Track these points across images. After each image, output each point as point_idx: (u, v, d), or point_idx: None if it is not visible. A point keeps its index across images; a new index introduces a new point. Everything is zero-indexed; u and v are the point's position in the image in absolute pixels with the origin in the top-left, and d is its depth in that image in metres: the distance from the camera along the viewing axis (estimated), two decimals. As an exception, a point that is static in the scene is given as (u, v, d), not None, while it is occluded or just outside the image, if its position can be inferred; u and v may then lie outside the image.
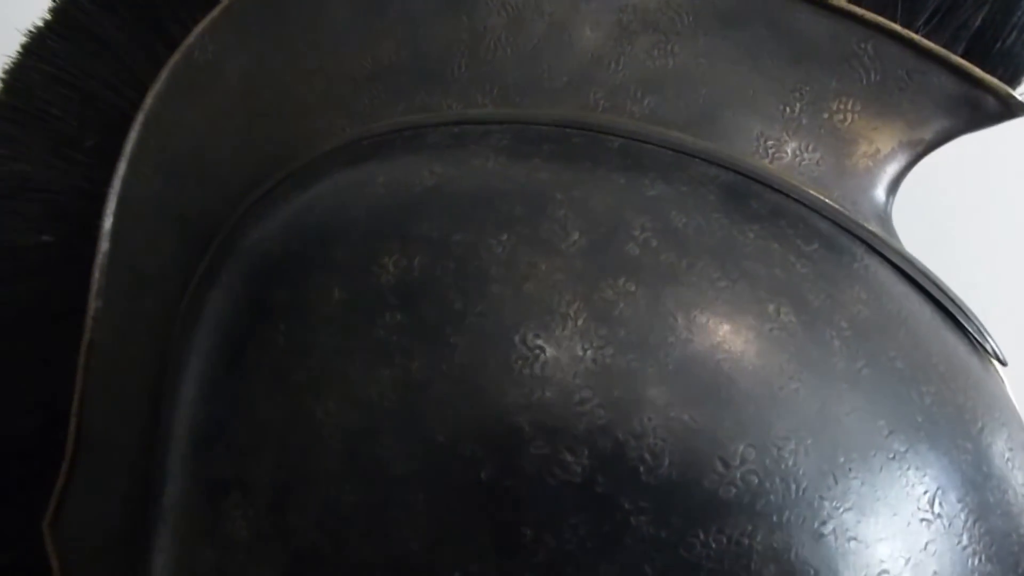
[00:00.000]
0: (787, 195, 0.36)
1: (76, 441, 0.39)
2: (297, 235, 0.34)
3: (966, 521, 0.30)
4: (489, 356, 0.29)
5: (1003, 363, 0.37)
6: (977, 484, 0.31)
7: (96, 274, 0.40)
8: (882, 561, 0.29)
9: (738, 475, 0.28)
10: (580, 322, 0.29)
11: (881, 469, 0.29)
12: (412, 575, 0.29)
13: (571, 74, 0.39)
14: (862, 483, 0.29)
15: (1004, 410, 0.35)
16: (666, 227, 0.32)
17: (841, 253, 0.34)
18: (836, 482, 0.29)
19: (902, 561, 0.29)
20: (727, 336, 0.30)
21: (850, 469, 0.29)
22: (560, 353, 0.29)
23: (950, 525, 0.30)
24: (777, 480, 0.28)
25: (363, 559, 0.29)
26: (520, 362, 0.29)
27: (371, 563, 0.29)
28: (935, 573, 0.29)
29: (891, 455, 0.30)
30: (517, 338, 0.29)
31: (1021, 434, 0.35)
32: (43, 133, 0.41)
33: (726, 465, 0.28)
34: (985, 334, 0.36)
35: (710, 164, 0.36)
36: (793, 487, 0.28)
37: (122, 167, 0.40)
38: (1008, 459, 0.33)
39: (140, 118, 0.40)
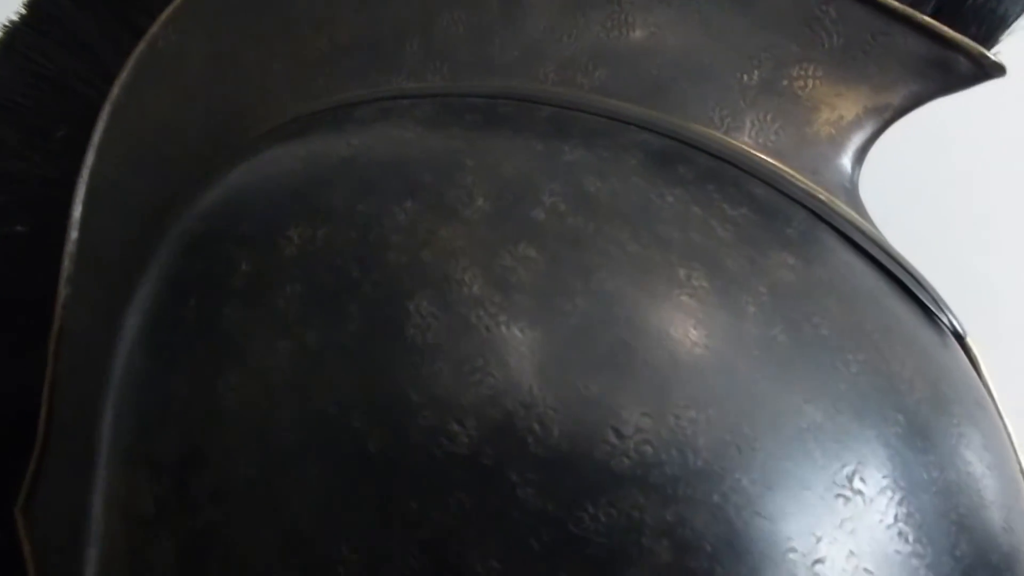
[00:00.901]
0: (723, 159, 0.35)
1: (47, 427, 0.40)
2: (215, 212, 0.34)
3: (892, 498, 0.29)
4: (382, 325, 0.29)
5: (961, 336, 0.35)
6: (908, 459, 0.29)
7: (66, 262, 0.41)
8: (789, 538, 0.27)
9: (631, 445, 0.27)
10: (475, 288, 0.29)
11: (792, 441, 0.28)
12: (301, 548, 0.29)
13: (522, 49, 0.39)
14: (769, 455, 0.28)
15: (957, 384, 0.33)
16: (577, 192, 0.31)
17: (773, 218, 0.33)
18: (739, 453, 0.28)
19: (812, 539, 0.28)
20: (630, 302, 0.29)
21: (756, 440, 0.28)
22: (452, 321, 0.29)
23: (872, 502, 0.28)
24: (673, 451, 0.27)
25: (255, 533, 0.29)
26: (412, 331, 0.29)
27: (263, 538, 0.29)
28: (852, 552, 0.28)
29: (805, 426, 0.28)
30: (412, 306, 0.29)
31: (976, 410, 0.33)
32: (16, 125, 0.43)
33: (619, 435, 0.28)
34: (941, 306, 0.35)
35: (642, 130, 0.35)
36: (690, 458, 0.27)
37: (90, 157, 0.41)
38: (954, 434, 0.31)
39: (107, 108, 0.41)
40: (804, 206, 0.34)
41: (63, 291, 0.41)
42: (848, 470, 0.28)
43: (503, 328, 0.28)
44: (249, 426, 0.30)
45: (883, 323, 0.31)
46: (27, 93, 0.43)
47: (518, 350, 0.28)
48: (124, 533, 0.32)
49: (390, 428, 0.28)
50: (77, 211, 0.41)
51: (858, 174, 0.40)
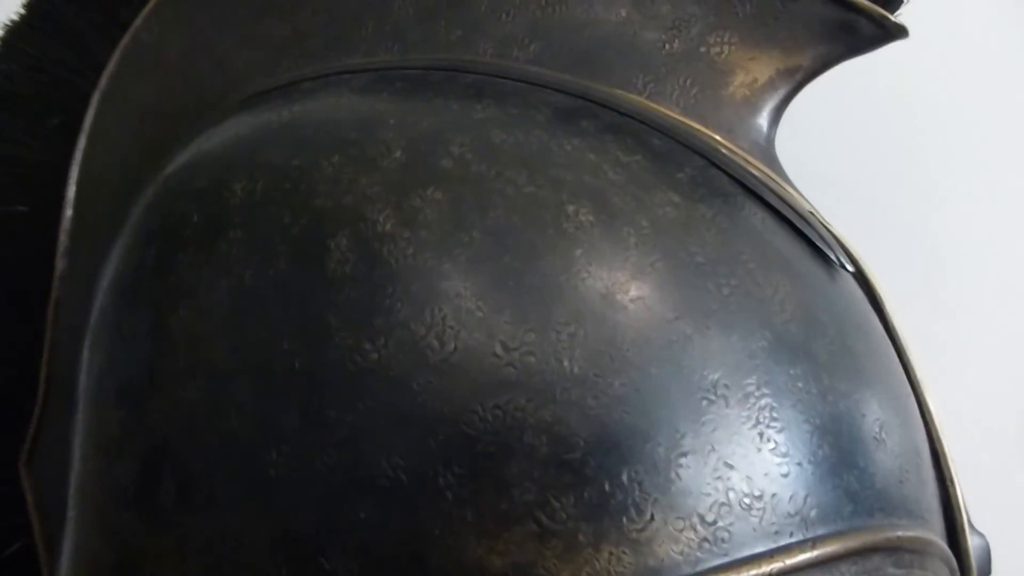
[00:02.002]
0: (627, 115, 0.39)
1: (46, 388, 0.46)
2: (175, 175, 0.39)
3: (755, 403, 0.33)
4: (306, 262, 0.34)
5: (847, 270, 0.39)
6: (773, 370, 0.34)
7: (62, 237, 0.46)
8: (655, 434, 0.32)
9: (516, 356, 0.32)
10: (387, 227, 0.34)
11: (661, 350, 0.33)
12: (237, 454, 0.34)
13: (465, 28, 0.44)
14: (639, 363, 0.32)
15: (836, 311, 0.37)
16: (484, 143, 0.36)
17: (666, 163, 0.38)
18: (611, 361, 0.32)
19: (677, 435, 0.32)
20: (520, 234, 0.34)
21: (627, 350, 0.32)
22: (366, 256, 0.34)
23: (735, 405, 0.33)
24: (553, 360, 0.32)
25: (200, 445, 0.34)
26: (333, 265, 0.34)
27: (210, 451, 0.34)
28: (713, 448, 0.32)
29: (674, 338, 0.33)
30: (332, 244, 0.34)
31: (854, 333, 0.37)
32: (16, 114, 0.48)
33: (506, 348, 0.32)
34: (828, 243, 0.39)
35: (556, 92, 0.40)
36: (567, 366, 0.32)
37: (82, 141, 0.46)
38: (824, 352, 0.35)
39: (97, 96, 0.46)
40: (700, 154, 0.38)
41: (59, 264, 0.46)
42: (713, 377, 0.33)
43: (410, 260, 0.33)
44: (196, 354, 0.35)
45: (761, 255, 0.36)
46: (25, 85, 0.48)
47: (422, 278, 0.33)
48: (95, 456, 0.37)
49: (313, 349, 0.33)
50: (71, 191, 0.46)
51: (774, 132, 0.45)
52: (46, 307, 0.46)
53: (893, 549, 0.34)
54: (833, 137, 0.64)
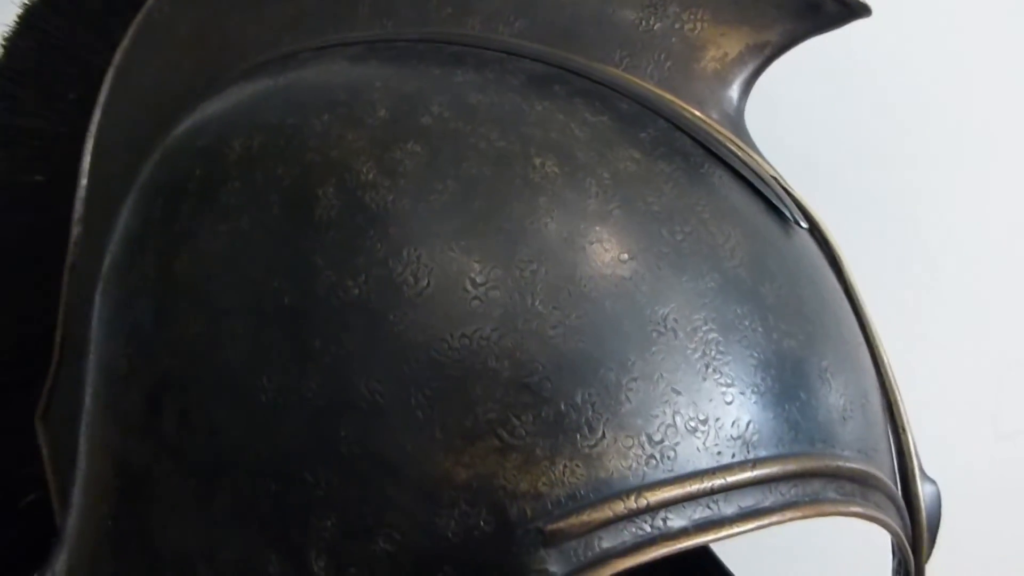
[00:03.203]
0: (598, 82, 0.44)
1: (61, 348, 0.50)
2: (181, 135, 0.44)
3: (702, 337, 0.37)
4: (296, 209, 0.39)
5: (801, 226, 0.44)
6: (721, 308, 0.38)
7: (77, 205, 0.51)
8: (606, 361, 0.36)
9: (483, 291, 0.37)
10: (370, 177, 0.38)
11: (616, 286, 0.37)
12: (234, 384, 0.38)
13: (455, 5, 0.48)
14: (595, 297, 0.37)
15: (786, 261, 0.42)
16: (461, 103, 0.41)
17: (631, 125, 0.42)
18: (569, 296, 0.37)
19: (627, 361, 0.37)
20: (490, 182, 0.38)
21: (584, 285, 0.37)
22: (350, 202, 0.38)
23: (682, 337, 0.37)
24: (516, 294, 0.37)
25: (202, 377, 0.39)
26: (320, 211, 0.39)
27: (208, 380, 0.39)
28: (662, 375, 0.37)
29: (628, 276, 0.37)
30: (320, 192, 0.39)
31: (803, 281, 0.41)
32: (35, 89, 0.53)
33: (474, 284, 0.37)
34: (784, 201, 0.43)
35: (534, 62, 0.45)
36: (529, 300, 0.36)
37: (97, 114, 0.51)
38: (770, 295, 0.40)
39: (111, 72, 0.51)
40: (665, 118, 0.43)
41: (75, 230, 0.51)
42: (663, 312, 0.37)
43: (389, 205, 0.38)
44: (196, 293, 0.40)
45: (716, 207, 0.40)
46: (44, 61, 0.53)
47: (399, 222, 0.38)
48: (104, 393, 0.42)
49: (300, 286, 0.38)
50: (86, 161, 0.51)
51: (744, 104, 0.49)
52: (62, 271, 0.51)
53: (833, 476, 0.39)
54: (816, 123, 0.68)
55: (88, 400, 0.43)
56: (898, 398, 0.45)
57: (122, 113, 0.51)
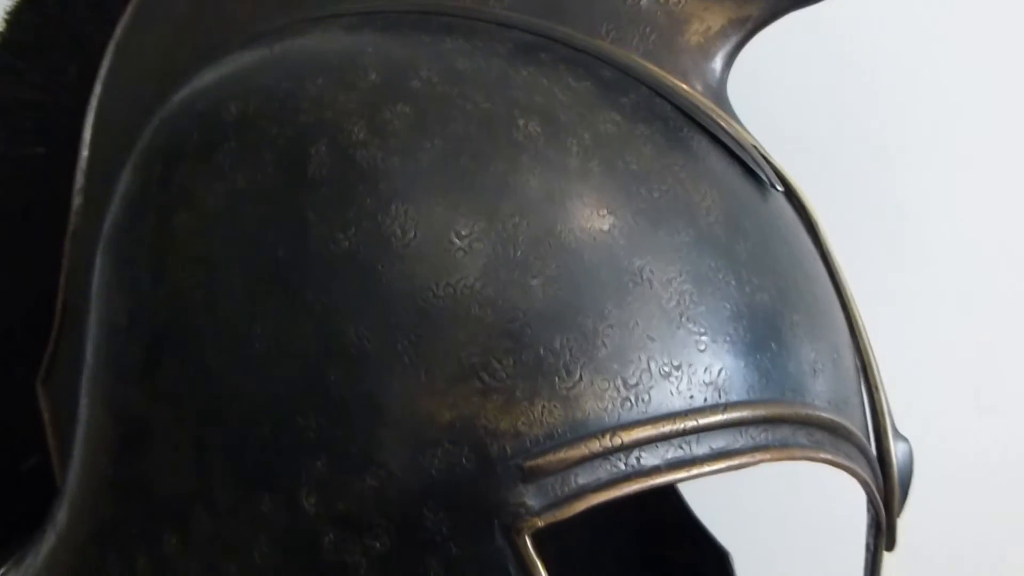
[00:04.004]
0: (582, 51, 0.46)
1: (62, 314, 0.53)
2: (179, 101, 0.47)
3: (676, 288, 0.40)
4: (290, 167, 0.42)
5: (777, 189, 0.46)
6: (695, 261, 0.41)
7: (78, 176, 0.53)
8: (584, 309, 0.39)
9: (468, 243, 0.39)
10: (361, 136, 0.41)
11: (594, 238, 0.40)
12: (229, 334, 0.41)
13: None
14: (573, 249, 0.39)
15: (760, 221, 0.44)
16: (449, 68, 0.43)
17: (613, 91, 0.45)
18: (550, 247, 0.39)
19: (604, 310, 0.39)
20: (475, 141, 0.41)
21: (564, 237, 0.39)
22: (341, 160, 0.41)
23: (657, 288, 0.40)
24: (499, 246, 0.39)
25: (199, 328, 0.42)
26: (313, 169, 0.41)
27: (204, 330, 0.41)
28: (637, 323, 0.39)
29: (606, 228, 0.40)
30: (313, 150, 0.41)
31: (773, 246, 0.44)
32: (37, 64, 0.55)
33: (459, 236, 0.39)
34: (760, 165, 0.46)
35: (523, 32, 0.47)
36: (511, 251, 0.39)
37: (98, 88, 0.54)
38: (743, 251, 0.42)
39: (112, 47, 0.54)
40: (647, 86, 0.46)
41: (76, 200, 0.53)
42: (639, 263, 0.40)
43: (379, 162, 0.41)
44: (194, 249, 0.42)
45: (693, 168, 0.43)
46: (45, 36, 0.55)
47: (388, 178, 0.40)
48: (105, 346, 0.45)
49: (293, 239, 0.40)
50: (87, 134, 0.54)
51: (726, 75, 0.52)
52: (63, 240, 0.54)
53: (803, 423, 0.41)
54: (800, 101, 0.71)
55: (89, 356, 0.46)
56: (871, 359, 0.48)
57: (122, 87, 0.53)
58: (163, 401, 0.41)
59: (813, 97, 0.72)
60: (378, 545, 0.38)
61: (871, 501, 0.45)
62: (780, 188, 0.45)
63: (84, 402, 0.45)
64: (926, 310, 0.75)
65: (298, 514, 0.39)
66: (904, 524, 0.53)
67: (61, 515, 0.46)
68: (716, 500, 0.62)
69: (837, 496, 0.56)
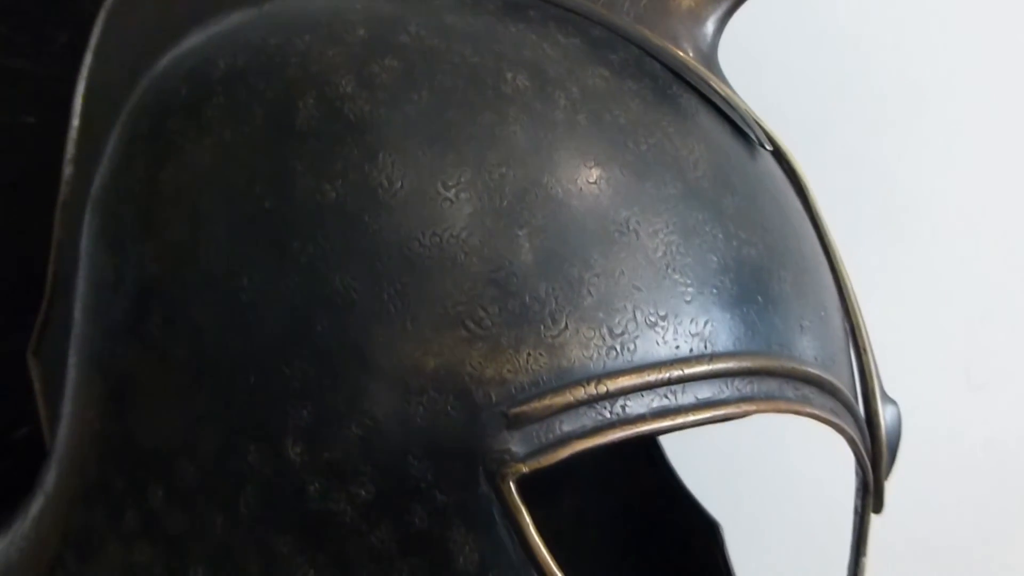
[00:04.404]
0: (572, 11, 0.47)
1: (53, 284, 0.53)
2: (170, 60, 0.47)
3: (663, 239, 0.40)
4: (277, 120, 0.42)
5: (765, 148, 0.47)
6: (683, 214, 0.41)
7: (68, 145, 0.54)
8: (570, 258, 0.39)
9: (454, 193, 0.40)
10: (349, 89, 0.41)
11: (580, 189, 0.40)
12: (216, 286, 0.41)
13: None
14: (560, 198, 0.40)
15: (748, 177, 0.44)
16: (438, 24, 0.43)
17: (601, 48, 0.45)
18: (536, 197, 0.40)
19: (590, 259, 0.39)
20: (462, 93, 0.41)
21: (550, 187, 0.40)
22: (329, 112, 0.41)
23: (642, 237, 0.40)
24: (485, 196, 0.39)
25: (185, 281, 0.42)
26: (300, 122, 0.41)
27: (191, 283, 0.42)
28: (622, 272, 0.40)
29: (592, 179, 0.40)
30: (301, 103, 0.42)
31: (761, 202, 0.44)
32: (27, 32, 0.56)
33: (445, 186, 0.40)
34: (749, 124, 0.46)
35: None
36: (497, 200, 0.39)
37: (88, 57, 0.54)
38: (730, 205, 0.42)
39: (102, 15, 0.54)
40: (637, 45, 0.46)
41: (66, 169, 0.53)
42: (625, 214, 0.40)
43: (366, 114, 0.41)
44: (181, 203, 0.42)
45: (681, 124, 0.43)
46: (35, 4, 0.56)
47: (375, 129, 0.41)
48: (92, 303, 0.45)
49: (280, 191, 0.41)
50: (77, 103, 0.53)
51: (717, 40, 0.52)
52: (53, 210, 0.54)
53: (789, 377, 0.41)
54: (789, 72, 0.71)
55: (77, 315, 0.46)
56: (860, 321, 0.48)
57: (113, 56, 0.53)
58: (150, 354, 0.42)
59: (804, 72, 0.72)
60: (363, 493, 0.38)
61: (858, 461, 0.46)
62: (769, 147, 0.46)
63: (72, 361, 0.46)
64: (917, 287, 0.75)
65: (284, 464, 0.39)
66: (894, 500, 0.53)
67: (49, 477, 0.46)
68: (705, 471, 0.62)
69: (826, 467, 0.56)
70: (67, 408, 0.46)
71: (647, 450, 0.65)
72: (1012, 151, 0.74)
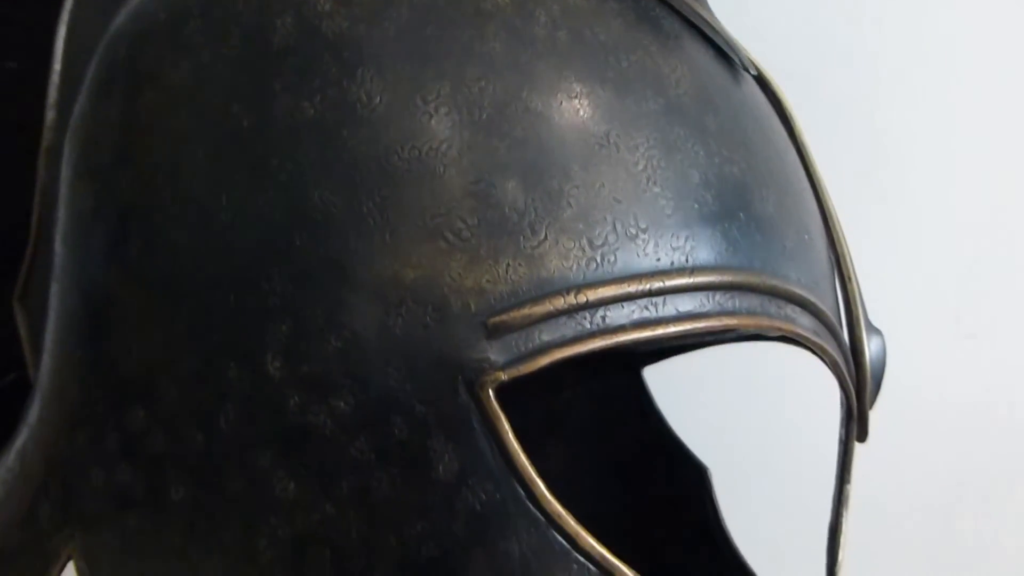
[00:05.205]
0: None
1: (38, 231, 0.53)
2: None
3: (643, 154, 0.40)
4: (255, 39, 0.41)
5: (749, 72, 0.47)
6: (664, 129, 0.41)
7: (50, 90, 0.54)
8: (550, 169, 0.39)
9: (433, 106, 0.40)
10: (327, 7, 0.40)
11: (561, 103, 0.40)
12: (195, 207, 0.41)
13: None
14: (540, 111, 0.40)
15: (731, 98, 0.45)
16: None
17: None
18: (516, 110, 0.40)
19: (570, 171, 0.40)
20: (441, 11, 0.41)
21: (530, 101, 0.40)
22: (307, 30, 0.40)
23: (622, 151, 0.40)
24: (464, 109, 0.40)
25: (164, 203, 0.42)
26: (277, 39, 0.40)
27: (170, 205, 0.42)
28: (603, 185, 0.40)
29: (573, 94, 0.40)
30: (279, 22, 0.40)
31: (744, 123, 0.44)
32: (8, -21, 0.56)
33: (424, 100, 0.40)
34: (733, 48, 0.46)
35: None
36: (476, 113, 0.40)
37: (69, 2, 0.54)
38: (712, 123, 0.43)
39: None
40: None
41: (49, 115, 0.53)
42: (605, 128, 0.40)
43: (345, 32, 0.41)
44: (159, 128, 0.43)
45: (663, 44, 0.43)
46: (16, -50, 0.56)
47: (354, 45, 0.41)
48: (73, 231, 0.45)
49: (259, 109, 0.41)
50: (59, 47, 0.54)
51: None
52: (36, 156, 0.54)
53: (771, 294, 0.42)
54: (780, 24, 0.71)
55: (58, 246, 0.46)
56: (845, 250, 0.48)
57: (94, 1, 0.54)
58: (129, 277, 0.42)
59: (794, 24, 0.73)
60: (343, 405, 0.38)
61: (842, 387, 0.46)
62: (753, 72, 0.46)
63: (54, 291, 0.46)
64: (907, 237, 0.75)
65: (263, 379, 0.39)
66: (884, 447, 0.53)
67: (33, 410, 0.46)
68: (693, 418, 0.62)
69: (812, 413, 0.56)
70: (49, 339, 0.46)
71: (637, 401, 0.65)
72: (1006, 93, 0.74)
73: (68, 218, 0.46)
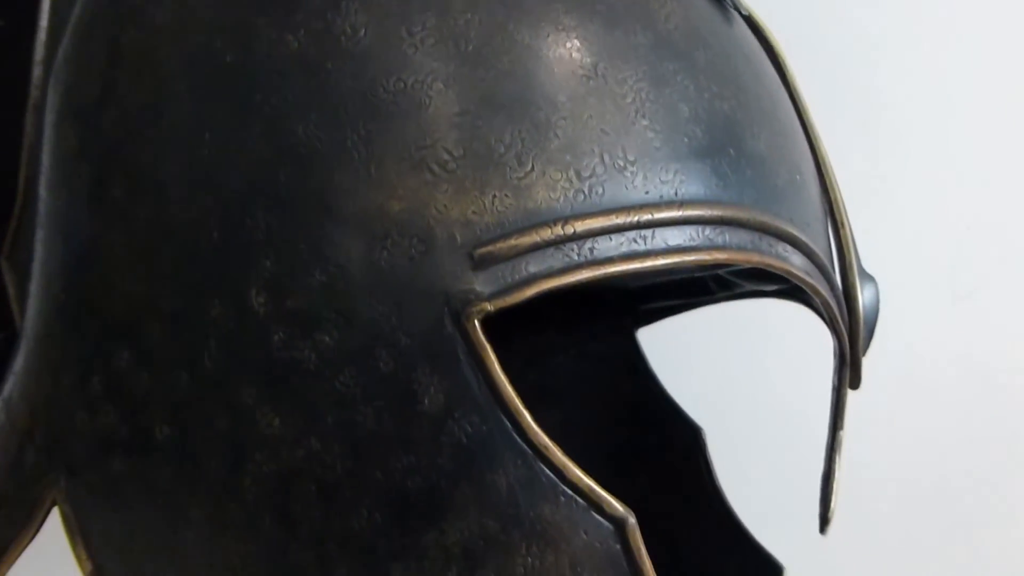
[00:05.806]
0: None
1: (25, 188, 0.53)
2: None
3: (631, 86, 0.40)
4: None
5: (740, 13, 0.46)
6: (653, 63, 0.41)
7: (37, 46, 0.54)
8: (537, 101, 0.39)
9: (419, 39, 0.39)
10: None
11: (549, 35, 0.40)
12: (179, 145, 0.40)
13: None
14: (527, 43, 0.40)
15: (724, 41, 0.44)
16: None
17: None
18: (503, 42, 0.40)
19: (557, 103, 0.39)
20: None
21: (516, 33, 0.40)
22: None
23: (611, 83, 0.40)
24: (450, 42, 0.39)
25: (147, 144, 0.41)
26: None
27: (154, 143, 0.41)
28: (591, 117, 0.39)
29: (560, 27, 0.40)
30: None
31: (735, 62, 0.44)
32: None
33: (410, 33, 0.40)
34: None
35: None
36: (462, 45, 0.39)
37: None
38: (701, 59, 0.42)
39: None
40: None
41: (36, 71, 0.53)
42: (593, 60, 0.40)
43: None
44: (142, 64, 0.42)
45: None
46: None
47: None
48: (56, 173, 0.45)
49: (241, 45, 0.40)
50: (46, 4, 0.54)
51: None
52: (24, 113, 0.54)
53: (762, 231, 0.41)
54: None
55: (43, 191, 0.46)
56: (838, 195, 0.48)
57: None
58: (113, 217, 0.41)
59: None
60: (327, 339, 0.38)
61: (834, 330, 0.45)
62: (744, 12, 0.45)
63: (38, 237, 0.46)
64: (903, 198, 0.75)
65: (247, 315, 0.39)
66: (879, 409, 0.53)
67: (18, 359, 0.46)
68: (686, 378, 0.62)
69: (806, 369, 0.56)
70: (34, 285, 0.46)
71: (630, 359, 0.65)
72: (1003, 58, 0.74)
73: (52, 162, 0.45)
